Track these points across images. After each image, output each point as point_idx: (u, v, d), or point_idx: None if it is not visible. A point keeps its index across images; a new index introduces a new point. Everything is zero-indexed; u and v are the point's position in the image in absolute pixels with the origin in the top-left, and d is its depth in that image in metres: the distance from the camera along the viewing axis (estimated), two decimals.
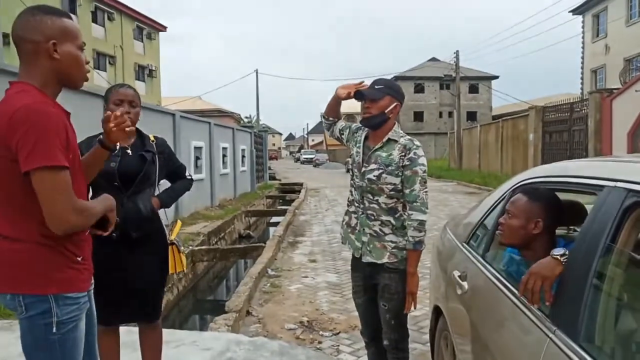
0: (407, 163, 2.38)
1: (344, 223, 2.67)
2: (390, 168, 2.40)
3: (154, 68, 32.52)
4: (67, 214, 1.46)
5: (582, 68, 28.19)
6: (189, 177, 2.83)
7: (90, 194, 2.05)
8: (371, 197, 2.46)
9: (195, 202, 11.41)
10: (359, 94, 2.49)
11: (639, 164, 1.61)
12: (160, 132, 2.64)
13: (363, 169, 2.47)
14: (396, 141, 2.44)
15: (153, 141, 2.59)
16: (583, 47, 27.97)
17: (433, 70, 43.19)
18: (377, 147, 2.46)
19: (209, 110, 29.64)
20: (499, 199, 2.40)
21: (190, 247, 7.77)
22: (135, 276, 2.44)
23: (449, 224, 3.22)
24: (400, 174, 2.39)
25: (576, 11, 27.92)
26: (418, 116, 47.56)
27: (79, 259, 1.60)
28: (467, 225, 2.73)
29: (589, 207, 2.23)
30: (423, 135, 47.58)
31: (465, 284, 2.24)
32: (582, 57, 28.08)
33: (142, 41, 32.09)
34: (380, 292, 2.49)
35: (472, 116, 45.17)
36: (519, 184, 2.23)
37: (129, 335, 3.24)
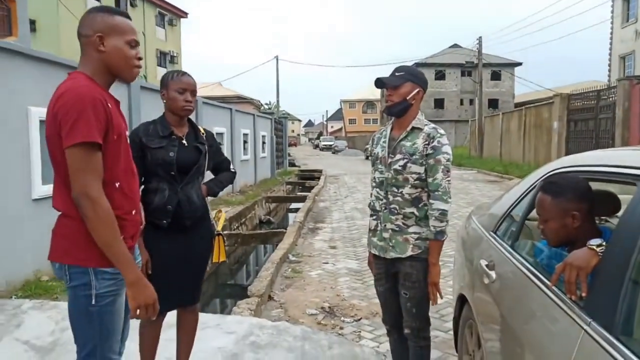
0: (431, 152, 2.36)
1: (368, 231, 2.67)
2: (414, 157, 2.38)
3: (175, 54, 32.72)
4: (81, 191, 1.55)
5: (610, 54, 27.42)
6: (233, 170, 2.87)
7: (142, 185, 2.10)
8: (395, 190, 2.44)
9: None
10: (379, 82, 2.46)
11: None
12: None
13: (389, 160, 2.45)
14: (420, 129, 2.42)
15: (203, 133, 2.63)
16: (612, 33, 27.17)
17: (454, 57, 42.53)
18: (401, 137, 2.44)
19: (229, 96, 29.73)
20: (529, 188, 2.35)
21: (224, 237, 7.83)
22: (186, 262, 2.48)
23: (474, 213, 3.19)
24: (424, 162, 2.37)
25: None
26: (438, 103, 46.99)
27: (121, 237, 1.66)
28: (494, 214, 2.69)
29: (621, 197, 2.20)
30: (443, 122, 47.02)
31: (492, 273, 2.22)
32: (611, 43, 27.29)
33: (164, 27, 32.26)
34: (401, 280, 2.49)
35: (493, 104, 44.44)
36: (551, 173, 2.18)
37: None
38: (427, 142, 2.37)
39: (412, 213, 2.42)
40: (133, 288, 1.64)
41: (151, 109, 6.92)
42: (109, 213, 1.59)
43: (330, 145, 54.68)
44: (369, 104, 78.65)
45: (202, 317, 3.85)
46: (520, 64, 46.51)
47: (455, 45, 47.07)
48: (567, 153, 15.40)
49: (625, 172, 1.64)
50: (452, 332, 3.23)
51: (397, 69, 2.47)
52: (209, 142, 2.64)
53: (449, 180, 2.38)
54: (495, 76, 45.45)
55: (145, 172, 2.40)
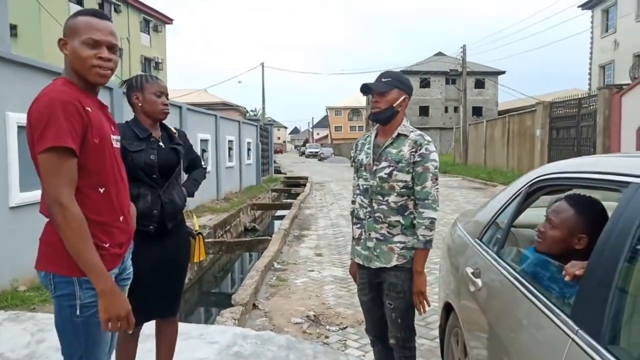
0: (419, 159, 2.32)
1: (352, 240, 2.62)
2: (400, 165, 2.33)
3: (160, 60, 32.48)
4: (52, 197, 1.52)
5: (590, 64, 27.95)
6: (204, 167, 2.86)
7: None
8: (381, 198, 2.39)
9: (201, 194, 11.40)
10: (365, 88, 2.42)
11: None
12: (169, 125, 2.64)
13: (374, 168, 2.39)
14: (406, 136, 2.38)
15: (175, 134, 2.59)
16: (592, 43, 27.71)
17: (439, 65, 42.94)
18: (387, 143, 2.40)
19: (214, 103, 29.57)
20: (514, 194, 2.34)
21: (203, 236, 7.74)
22: (165, 270, 2.42)
23: (459, 220, 3.18)
24: (411, 170, 2.33)
25: (585, 6, 27.66)
26: (423, 111, 47.37)
27: (106, 244, 1.66)
28: (479, 221, 2.68)
29: (605, 204, 2.21)
30: (428, 129, 47.32)
31: (479, 281, 2.20)
32: (591, 53, 27.83)
33: (149, 33, 32.02)
34: (385, 290, 2.44)
35: (477, 111, 44.96)
36: (536, 180, 2.18)
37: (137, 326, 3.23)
38: (414, 150, 2.33)
39: (398, 222, 2.37)
40: (103, 299, 1.56)
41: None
42: (78, 220, 1.52)
43: (316, 152, 54.74)
44: (355, 111, 79.00)
45: (185, 327, 3.79)
46: (503, 72, 47.16)
47: (439, 54, 47.57)
48: (550, 160, 15.60)
49: (608, 179, 1.64)
50: (438, 340, 3.20)
51: (383, 75, 2.43)
52: (182, 140, 2.60)
53: (437, 188, 2.35)
54: (479, 84, 46.02)
55: (129, 178, 2.34)
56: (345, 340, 3.97)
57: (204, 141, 11.76)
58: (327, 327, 4.25)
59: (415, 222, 2.33)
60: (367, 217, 2.44)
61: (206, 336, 3.55)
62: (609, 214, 1.94)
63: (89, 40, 1.62)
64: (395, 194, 2.35)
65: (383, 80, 2.39)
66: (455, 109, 44.70)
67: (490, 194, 14.03)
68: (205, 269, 8.55)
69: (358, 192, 2.53)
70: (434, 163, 2.34)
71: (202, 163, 2.84)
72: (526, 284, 1.80)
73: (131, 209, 1.91)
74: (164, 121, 2.55)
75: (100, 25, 1.65)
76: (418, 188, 2.32)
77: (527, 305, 1.71)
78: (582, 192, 2.04)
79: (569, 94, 18.28)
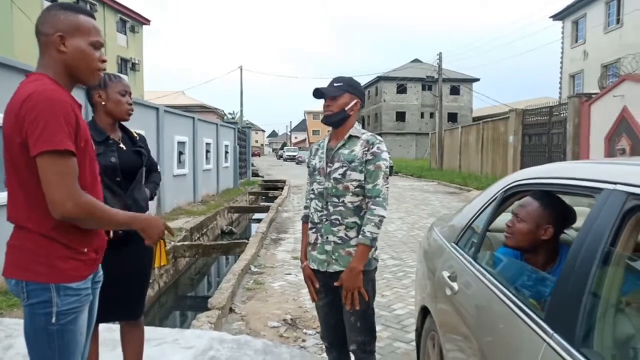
0: (370, 157, 2.34)
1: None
2: (353, 164, 2.35)
3: (137, 61, 31.96)
4: (64, 199, 1.47)
5: (561, 73, 28.66)
6: (159, 171, 2.82)
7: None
8: (336, 200, 2.38)
9: (177, 197, 11.27)
10: (317, 92, 2.44)
11: (638, 166, 1.60)
12: (144, 127, 2.61)
13: (328, 169, 2.41)
14: (358, 137, 2.42)
15: (136, 137, 2.54)
16: (562, 53, 28.44)
17: (415, 72, 43.50)
18: (339, 145, 2.43)
19: (192, 105, 29.33)
20: (489, 199, 2.38)
21: (172, 243, 7.66)
22: (127, 273, 2.37)
23: (435, 224, 3.21)
24: (363, 169, 2.35)
25: (556, 17, 28.38)
26: (400, 116, 47.87)
27: (85, 250, 1.62)
28: (455, 225, 2.71)
29: (577, 210, 2.27)
30: (405, 135, 47.94)
31: (455, 285, 2.22)
32: (561, 62, 28.55)
33: (126, 34, 31.50)
34: (340, 294, 2.40)
35: (453, 117, 45.66)
36: (511, 185, 2.22)
37: (108, 332, 3.16)
38: (366, 149, 2.36)
39: (355, 223, 2.37)
40: (145, 232, 1.75)
41: None
42: (96, 206, 1.56)
43: (294, 155, 54.63)
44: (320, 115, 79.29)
45: (160, 331, 3.73)
46: (477, 79, 48.05)
47: (416, 60, 48.21)
48: (522, 166, 15.94)
49: (582, 185, 1.67)
50: (413, 344, 3.23)
51: (335, 80, 2.46)
52: (143, 144, 2.55)
53: (388, 187, 2.38)
54: (455, 91, 46.77)
55: None
56: (322, 344, 3.96)
57: (181, 143, 11.63)
58: (304, 330, 4.23)
59: (364, 219, 2.32)
60: (324, 220, 2.42)
61: (181, 341, 3.49)
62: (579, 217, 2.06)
63: (97, 44, 1.64)
64: (351, 193, 2.36)
65: (335, 85, 2.43)
66: (431, 115, 45.29)
67: (465, 199, 14.24)
68: (181, 273, 8.43)
69: (312, 196, 2.50)
70: (386, 162, 2.37)
71: (158, 167, 2.80)
72: (502, 287, 1.82)
73: None
74: (124, 123, 2.49)
75: (99, 27, 1.68)
76: (369, 186, 2.34)
77: (502, 308, 1.73)
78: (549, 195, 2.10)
79: (541, 102, 18.74)
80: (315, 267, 2.47)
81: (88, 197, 1.53)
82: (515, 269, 2.05)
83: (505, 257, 2.07)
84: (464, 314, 2.11)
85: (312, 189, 2.52)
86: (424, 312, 2.74)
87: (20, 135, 1.48)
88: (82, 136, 1.57)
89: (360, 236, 2.31)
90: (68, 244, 1.57)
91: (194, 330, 3.82)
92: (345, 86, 2.43)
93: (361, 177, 2.35)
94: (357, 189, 2.36)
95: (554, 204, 1.99)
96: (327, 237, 2.41)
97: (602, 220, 1.44)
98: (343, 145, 2.42)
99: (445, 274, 2.37)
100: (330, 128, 2.52)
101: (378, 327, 4.28)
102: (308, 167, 2.62)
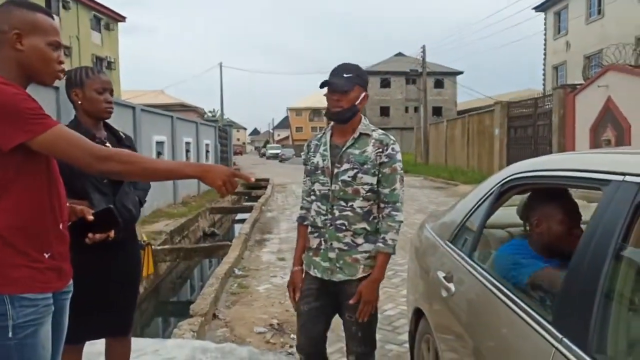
0: (386, 160, 2.17)
1: (307, 250, 2.35)
2: (366, 167, 2.16)
3: (112, 60, 31.38)
4: (88, 160, 1.49)
5: (544, 64, 28.90)
6: None
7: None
8: (344, 204, 2.18)
9: (157, 199, 11.04)
10: (330, 85, 2.18)
11: None
12: (121, 127, 2.44)
13: (335, 170, 2.20)
14: (369, 135, 2.22)
15: (123, 137, 2.40)
16: (545, 44, 28.68)
17: (399, 65, 43.60)
18: (348, 144, 2.21)
19: (171, 104, 28.92)
20: (485, 194, 2.24)
21: (152, 247, 7.45)
22: (115, 284, 2.22)
23: (427, 221, 3.07)
24: (377, 172, 2.17)
25: (539, 8, 28.58)
26: (384, 111, 47.94)
27: (46, 255, 1.53)
28: (449, 222, 2.57)
29: (579, 203, 2.14)
30: (389, 130, 47.36)
31: (451, 286, 2.08)
32: (544, 54, 28.79)
33: (100, 32, 30.89)
34: (346, 302, 2.23)
35: (437, 111, 45.85)
36: (509, 179, 2.08)
37: (91, 345, 2.97)
38: (380, 150, 2.18)
39: (364, 229, 2.20)
40: (206, 178, 1.59)
41: None
42: (127, 153, 1.59)
43: (277, 153, 54.38)
44: (316, 111, 79.11)
45: (139, 342, 3.54)
46: (461, 72, 48.33)
47: (399, 54, 48.30)
48: (508, 159, 15.99)
49: (586, 177, 1.54)
50: (406, 345, 3.10)
51: (344, 69, 2.21)
52: (128, 144, 2.39)
53: (404, 190, 2.24)
54: (439, 84, 46.97)
55: (72, 185, 2.08)
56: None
57: (159, 143, 11.43)
58: (292, 335, 4.07)
59: (382, 226, 2.18)
60: (328, 225, 2.22)
61: (162, 352, 3.33)
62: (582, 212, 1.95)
63: (55, 43, 1.59)
64: (361, 198, 2.18)
65: (345, 76, 2.18)
66: (416, 109, 45.40)
67: (452, 193, 14.24)
68: (162, 277, 8.22)
69: (314, 197, 2.29)
70: (401, 164, 2.23)
71: None
72: (504, 289, 1.70)
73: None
74: (108, 121, 2.35)
75: (57, 26, 1.63)
76: (386, 191, 2.18)
77: (506, 312, 1.60)
78: (558, 190, 1.97)
79: (525, 94, 18.86)
80: (319, 275, 2.26)
81: (110, 150, 1.59)
82: (517, 264, 1.90)
83: (507, 254, 1.94)
84: (462, 317, 1.99)
85: (314, 190, 2.30)
86: (418, 314, 2.60)
87: None
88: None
89: (380, 244, 2.16)
90: (21, 250, 1.47)
91: (176, 340, 3.65)
92: (356, 78, 2.19)
93: (374, 180, 2.17)
94: (368, 194, 2.18)
95: (530, 200, 1.98)
96: (332, 244, 2.21)
97: (612, 214, 1.33)
98: (352, 144, 2.21)
99: (441, 274, 2.23)
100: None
101: None
102: (305, 164, 2.40)
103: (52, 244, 1.55)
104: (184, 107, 29.12)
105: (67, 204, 1.71)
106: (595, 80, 12.64)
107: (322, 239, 2.25)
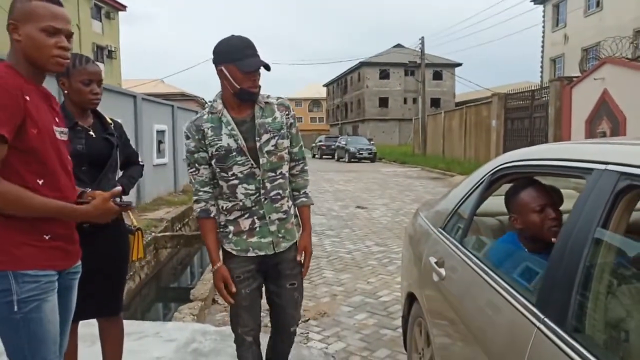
0: (292, 121, 2.27)
1: (229, 236, 2.21)
2: (282, 132, 2.20)
3: (113, 49, 31.28)
4: None
5: (542, 57, 28.87)
6: (142, 164, 2.69)
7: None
8: (273, 174, 2.18)
9: (157, 187, 11.09)
10: (261, 65, 2.10)
11: (630, 146, 1.55)
12: (121, 116, 2.48)
13: (257, 144, 2.13)
14: (270, 103, 2.23)
15: (111, 124, 2.41)
16: (543, 37, 28.62)
17: (398, 57, 43.45)
18: (257, 115, 2.17)
19: (172, 93, 28.76)
20: (476, 183, 2.32)
21: (153, 234, 7.53)
22: (102, 267, 2.27)
23: (421, 209, 3.16)
24: (288, 134, 2.24)
25: (538, 0, 28.49)
26: (383, 102, 47.88)
27: (47, 237, 1.59)
28: (442, 210, 2.66)
29: (570, 193, 2.22)
30: (388, 121, 48.02)
31: (442, 271, 2.17)
32: (542, 46, 28.74)
33: (101, 21, 30.77)
34: (286, 271, 2.26)
35: (435, 102, 45.81)
36: (499, 168, 2.16)
37: (87, 327, 3.05)
38: (287, 113, 2.24)
39: (290, 192, 2.30)
40: (91, 219, 1.70)
41: None
42: (11, 191, 1.49)
43: None
44: (315, 102, 79.01)
45: (141, 325, 3.64)
46: (460, 64, 48.20)
47: (398, 45, 48.09)
48: (505, 150, 16.04)
49: (572, 166, 1.62)
50: (400, 330, 3.20)
51: (253, 46, 2.11)
52: (118, 132, 2.42)
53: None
54: (437, 76, 46.87)
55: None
56: (308, 332, 3.91)
57: (160, 132, 11.43)
58: None
59: (299, 181, 2.32)
60: (263, 200, 2.16)
61: (163, 334, 3.42)
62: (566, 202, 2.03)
63: (49, 28, 1.57)
64: (285, 163, 2.24)
65: (258, 54, 2.14)
66: (414, 100, 45.39)
67: (448, 184, 14.31)
68: (163, 264, 8.31)
69: (236, 181, 2.14)
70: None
71: (140, 160, 2.67)
72: (490, 272, 1.78)
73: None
74: (98, 108, 2.36)
75: (59, 12, 1.60)
76: (296, 149, 2.30)
77: (492, 294, 1.69)
78: (544, 179, 2.05)
79: (522, 86, 18.86)
80: (261, 253, 2.20)
81: (5, 186, 1.48)
82: (505, 253, 2.00)
83: (494, 241, 2.02)
84: (452, 300, 2.07)
85: (234, 174, 2.14)
86: (411, 299, 2.70)
87: None
88: (33, 124, 1.53)
89: (304, 199, 2.33)
90: (24, 229, 1.54)
91: (176, 323, 3.75)
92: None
93: (288, 142, 2.25)
94: (288, 156, 2.26)
95: (508, 195, 2.02)
96: (270, 217, 2.20)
97: (594, 202, 1.40)
98: (262, 114, 2.19)
99: (432, 259, 2.31)
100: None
101: (364, 315, 4.30)
102: (196, 152, 2.20)
103: (52, 224, 1.60)
104: (184, 97, 29.01)
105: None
106: (591, 72, 12.68)
107: (255, 217, 2.19)
